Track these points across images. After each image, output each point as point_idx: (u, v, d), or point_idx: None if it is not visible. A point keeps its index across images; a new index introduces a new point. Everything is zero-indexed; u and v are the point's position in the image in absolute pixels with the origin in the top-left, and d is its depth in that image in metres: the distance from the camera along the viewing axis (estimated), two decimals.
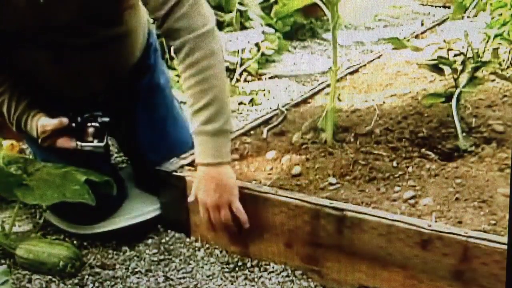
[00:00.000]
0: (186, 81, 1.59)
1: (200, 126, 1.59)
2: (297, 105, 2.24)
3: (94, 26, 1.66)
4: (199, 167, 1.62)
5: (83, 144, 1.73)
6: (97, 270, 1.66)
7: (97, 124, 1.74)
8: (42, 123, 1.71)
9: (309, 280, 1.55)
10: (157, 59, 1.99)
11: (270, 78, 3.23)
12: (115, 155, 2.30)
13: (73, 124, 1.73)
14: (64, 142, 1.73)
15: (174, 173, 1.74)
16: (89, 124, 1.74)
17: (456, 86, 1.83)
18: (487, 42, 2.11)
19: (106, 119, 1.76)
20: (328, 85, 2.20)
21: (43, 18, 1.57)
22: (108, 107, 1.84)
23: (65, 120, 1.71)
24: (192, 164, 1.79)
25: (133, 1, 1.72)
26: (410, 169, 1.68)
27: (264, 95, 2.93)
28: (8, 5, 1.54)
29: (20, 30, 1.61)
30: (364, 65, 2.71)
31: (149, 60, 1.94)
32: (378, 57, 2.82)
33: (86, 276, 1.63)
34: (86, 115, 1.75)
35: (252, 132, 2.02)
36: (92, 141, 1.73)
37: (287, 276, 1.57)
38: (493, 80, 2.23)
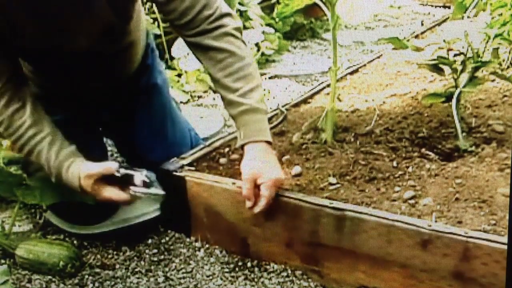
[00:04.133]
0: (231, 66, 1.60)
1: (255, 104, 1.59)
2: (297, 105, 2.24)
3: (106, 43, 1.66)
4: (260, 144, 1.57)
5: (142, 190, 1.58)
6: (97, 270, 1.66)
7: (145, 178, 1.59)
8: (88, 168, 1.58)
9: (309, 280, 1.55)
10: (154, 59, 1.99)
11: (270, 78, 3.24)
12: (115, 155, 2.30)
13: (118, 174, 1.58)
14: (115, 192, 1.59)
15: (174, 173, 1.74)
16: (133, 173, 1.60)
17: (456, 86, 1.83)
18: (487, 42, 2.11)
19: (152, 174, 1.64)
20: (328, 85, 2.20)
21: (59, 40, 1.57)
22: (107, 107, 1.84)
23: (114, 166, 1.59)
24: (192, 164, 1.79)
25: (137, 9, 1.72)
26: (410, 169, 1.68)
27: (264, 95, 2.93)
28: (25, 28, 1.51)
29: (36, 48, 1.59)
30: (364, 65, 2.71)
31: (147, 60, 1.94)
32: (378, 57, 2.82)
33: (86, 276, 1.63)
34: (129, 169, 1.61)
35: None
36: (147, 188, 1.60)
37: (287, 276, 1.57)
38: (493, 80, 2.23)
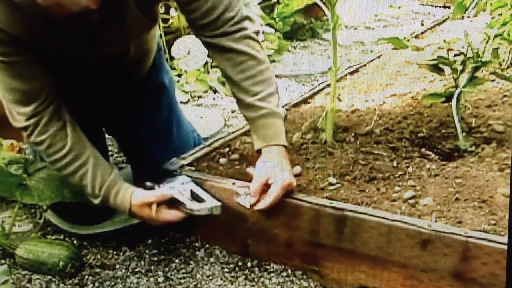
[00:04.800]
0: (251, 69, 1.60)
1: (274, 108, 1.60)
2: (297, 105, 2.24)
3: (135, 47, 1.67)
4: (277, 148, 1.59)
5: (201, 207, 1.55)
6: (97, 270, 1.66)
7: (189, 189, 1.59)
8: (143, 197, 1.58)
9: (309, 280, 1.55)
10: (161, 58, 1.99)
11: None
12: (115, 155, 2.30)
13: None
14: (171, 214, 1.59)
15: (174, 173, 1.74)
16: (174, 185, 1.59)
17: (456, 86, 1.83)
18: (487, 42, 2.12)
19: (186, 178, 1.64)
20: (328, 85, 2.20)
21: (94, 49, 1.58)
22: (114, 107, 1.84)
23: (167, 192, 1.58)
24: (192, 164, 1.79)
25: (157, 17, 1.72)
26: (410, 169, 1.68)
27: None
28: (58, 38, 1.51)
29: (66, 57, 1.59)
30: (364, 65, 2.71)
31: (156, 59, 1.94)
32: (378, 57, 2.82)
33: (86, 276, 1.64)
34: (165, 182, 1.62)
35: None
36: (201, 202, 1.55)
37: (287, 276, 1.57)
38: (493, 80, 2.23)
